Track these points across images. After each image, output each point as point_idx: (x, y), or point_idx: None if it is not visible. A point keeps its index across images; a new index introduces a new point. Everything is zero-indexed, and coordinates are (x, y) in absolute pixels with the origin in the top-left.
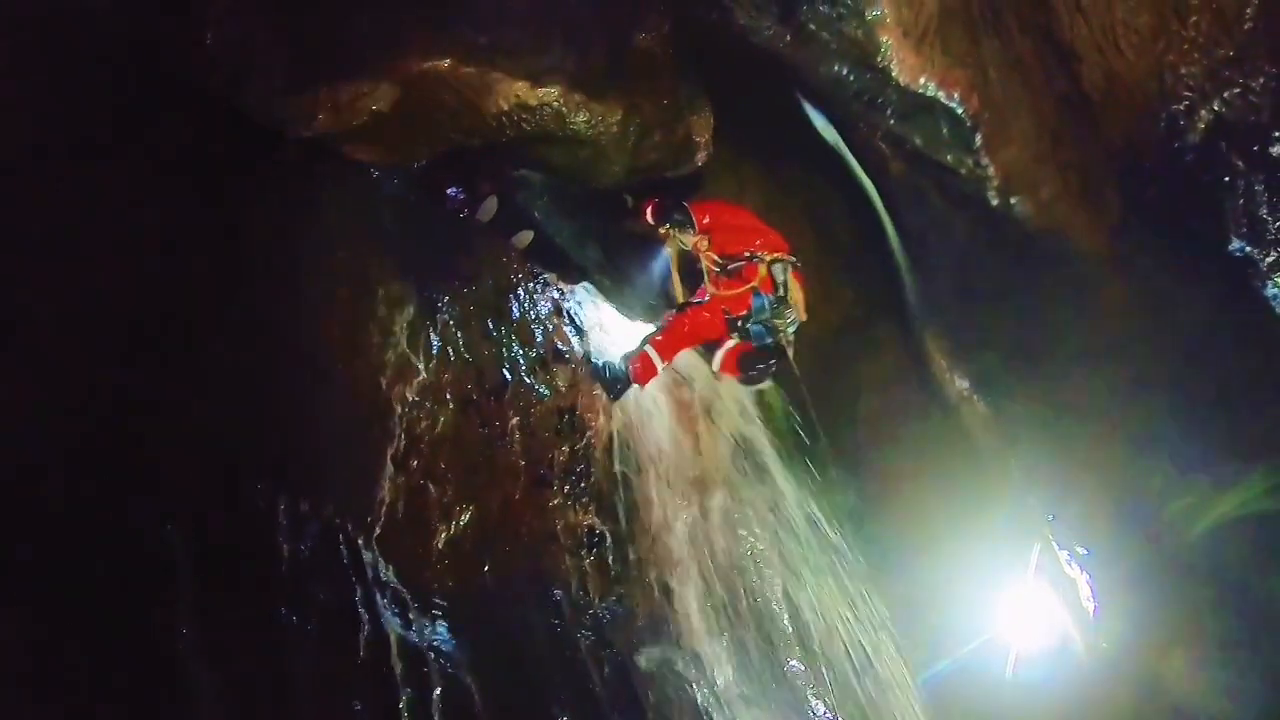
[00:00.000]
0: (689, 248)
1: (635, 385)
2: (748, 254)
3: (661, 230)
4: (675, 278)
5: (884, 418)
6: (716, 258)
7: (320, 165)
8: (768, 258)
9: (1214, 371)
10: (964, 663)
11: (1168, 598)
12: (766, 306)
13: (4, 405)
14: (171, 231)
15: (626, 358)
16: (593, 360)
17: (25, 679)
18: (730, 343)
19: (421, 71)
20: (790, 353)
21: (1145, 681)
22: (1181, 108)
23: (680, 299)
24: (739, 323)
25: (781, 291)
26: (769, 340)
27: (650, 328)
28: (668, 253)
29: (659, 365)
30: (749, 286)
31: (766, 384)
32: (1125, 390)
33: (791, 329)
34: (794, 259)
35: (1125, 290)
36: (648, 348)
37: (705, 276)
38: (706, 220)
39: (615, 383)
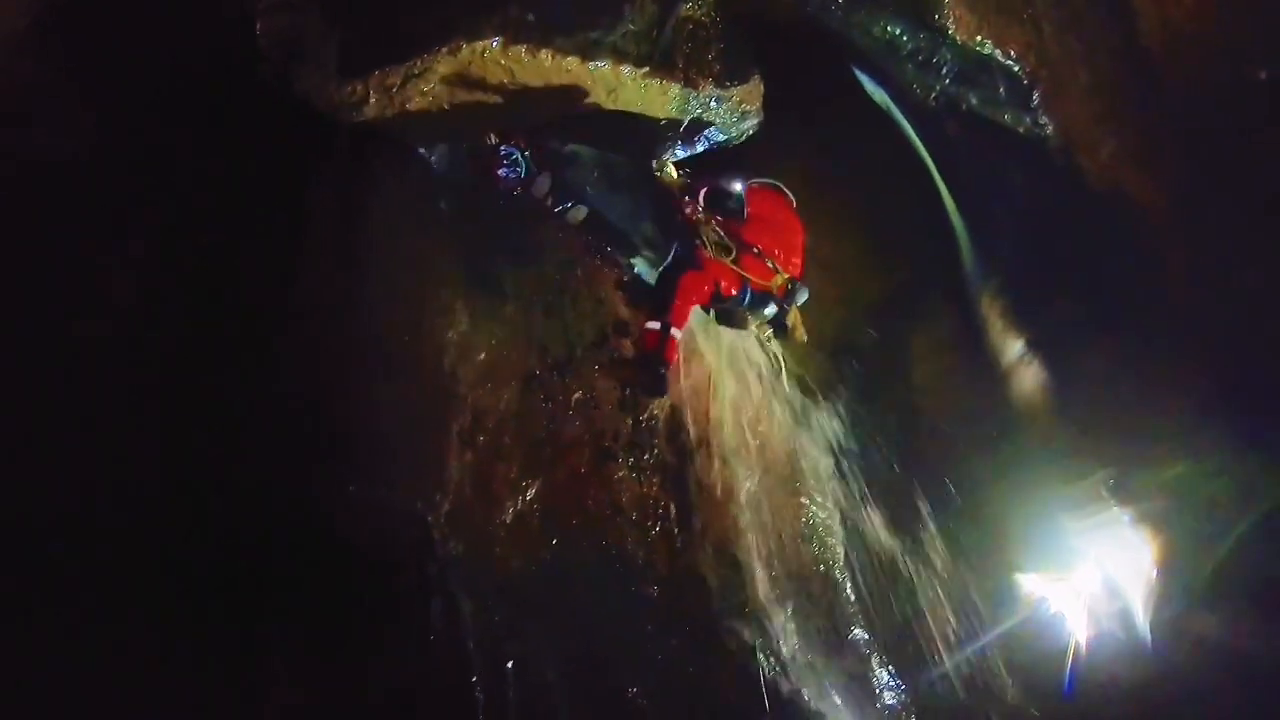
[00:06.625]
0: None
1: (666, 366)
2: (756, 249)
3: (704, 216)
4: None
5: (939, 385)
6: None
7: (376, 149)
8: (784, 275)
9: None
10: (1027, 628)
11: (1237, 563)
12: (746, 303)
13: (86, 394)
14: (233, 219)
15: (661, 347)
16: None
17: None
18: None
19: (472, 51)
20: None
21: (1213, 648)
22: (1246, 52)
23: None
24: (722, 301)
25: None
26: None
27: None
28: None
29: (677, 335)
30: (746, 277)
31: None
32: (1191, 354)
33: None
34: (800, 286)
35: (1189, 250)
36: (672, 330)
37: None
38: (754, 210)
39: (651, 375)
